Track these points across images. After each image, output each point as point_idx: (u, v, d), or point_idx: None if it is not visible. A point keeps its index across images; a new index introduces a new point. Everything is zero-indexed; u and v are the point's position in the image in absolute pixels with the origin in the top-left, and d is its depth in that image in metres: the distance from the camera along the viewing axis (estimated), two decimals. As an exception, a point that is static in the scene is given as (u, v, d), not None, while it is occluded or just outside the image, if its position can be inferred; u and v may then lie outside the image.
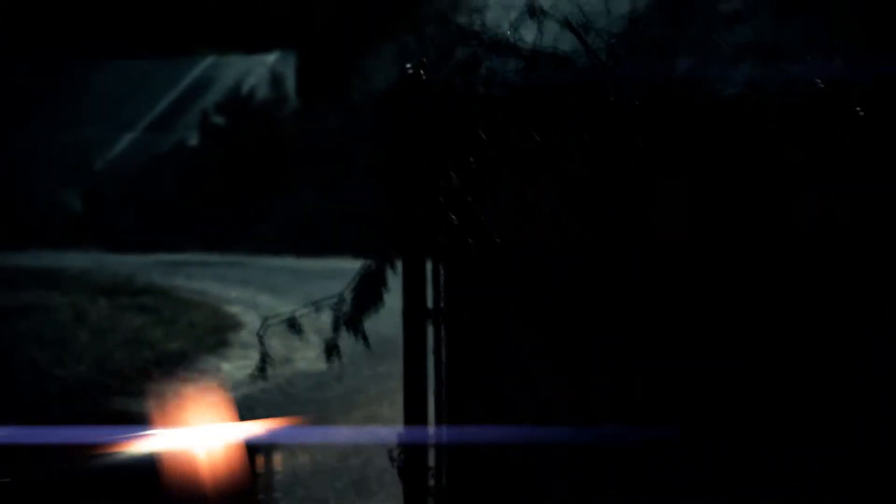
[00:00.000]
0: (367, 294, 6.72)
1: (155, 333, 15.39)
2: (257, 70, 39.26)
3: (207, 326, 16.31)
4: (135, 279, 22.46)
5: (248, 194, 32.81)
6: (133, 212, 33.78)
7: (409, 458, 6.07)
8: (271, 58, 39.63)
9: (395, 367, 6.49)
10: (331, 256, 28.45)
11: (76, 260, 27.45)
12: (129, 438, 6.17)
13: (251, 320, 17.27)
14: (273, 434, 6.96)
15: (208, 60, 41.15)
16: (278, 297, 20.25)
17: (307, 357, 14.12)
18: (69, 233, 32.97)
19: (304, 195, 33.27)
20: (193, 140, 36.68)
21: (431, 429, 6.08)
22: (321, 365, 6.70)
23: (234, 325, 16.89)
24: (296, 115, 35.53)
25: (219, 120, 36.10)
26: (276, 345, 11.19)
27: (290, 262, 28.39)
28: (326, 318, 6.06)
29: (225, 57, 40.84)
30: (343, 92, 34.34)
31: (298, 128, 34.76)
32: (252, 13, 40.45)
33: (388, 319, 6.37)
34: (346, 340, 6.09)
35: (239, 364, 13.35)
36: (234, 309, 18.64)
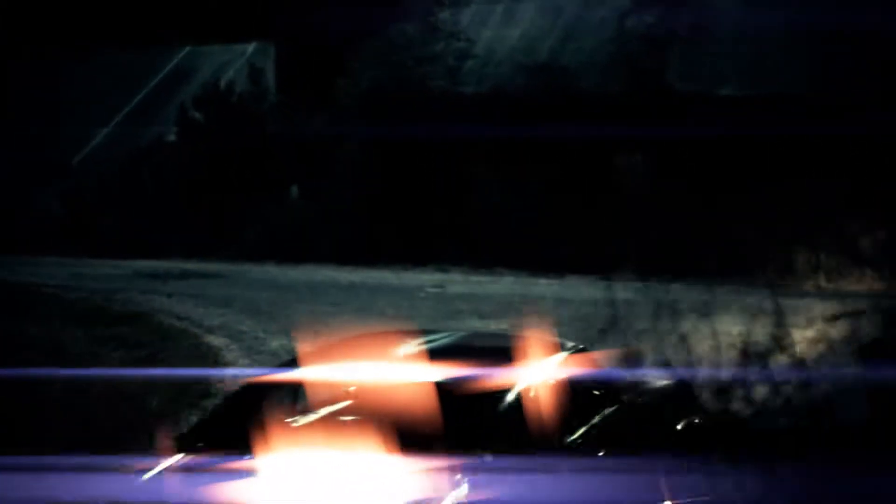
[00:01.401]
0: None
1: (132, 385, 14.66)
2: (236, 62, 38.38)
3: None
4: (113, 301, 21.73)
5: (228, 196, 32.05)
6: (111, 213, 32.95)
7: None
8: (250, 49, 38.77)
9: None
10: (312, 264, 27.77)
11: (53, 271, 26.64)
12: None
13: (234, 358, 16.56)
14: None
15: (185, 51, 40.27)
16: (263, 322, 19.57)
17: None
18: (46, 236, 32.13)
19: (286, 198, 32.52)
20: (171, 136, 35.79)
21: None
22: None
23: (215, 363, 16.15)
24: (277, 111, 34.65)
25: (197, 115, 35.19)
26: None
27: (271, 271, 27.65)
28: None
29: (202, 48, 39.97)
30: (326, 89, 33.54)
31: (280, 126, 33.91)
32: (229, 3, 39.61)
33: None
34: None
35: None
36: (218, 341, 17.89)
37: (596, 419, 8.57)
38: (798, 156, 26.79)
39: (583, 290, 24.22)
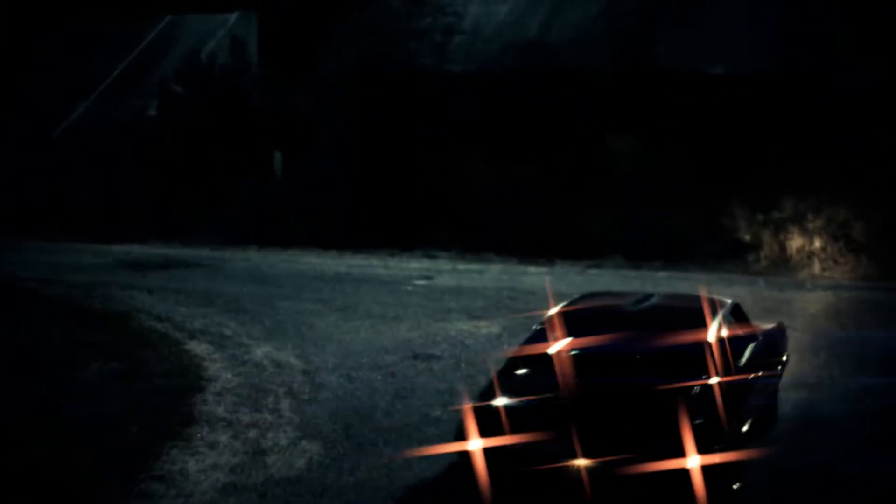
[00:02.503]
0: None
1: (110, 405, 14.13)
2: (217, 33, 37.65)
3: (169, 387, 15.05)
4: (93, 297, 21.23)
5: (210, 173, 31.44)
6: (90, 191, 32.32)
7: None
8: (232, 18, 38.03)
9: None
10: (296, 248, 27.27)
11: (32, 259, 26.11)
12: None
13: (217, 371, 16.04)
14: None
15: (166, 20, 39.54)
16: (247, 325, 19.11)
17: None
18: (24, 215, 31.54)
19: (269, 175, 31.95)
20: (152, 110, 35.12)
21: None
22: None
23: (198, 378, 15.61)
24: (260, 85, 33.98)
25: (179, 89, 34.53)
26: None
27: (253, 257, 27.11)
28: None
29: (183, 16, 39.23)
30: (310, 64, 32.89)
31: (263, 100, 33.27)
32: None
33: None
34: None
35: (206, 463, 12.11)
36: (200, 348, 17.37)
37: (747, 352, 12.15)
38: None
39: (574, 278, 23.78)
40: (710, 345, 11.18)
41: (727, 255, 25.19)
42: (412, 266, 25.46)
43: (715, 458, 10.00)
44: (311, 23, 34.33)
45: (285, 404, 14.42)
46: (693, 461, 9.80)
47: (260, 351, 17.25)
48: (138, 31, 39.18)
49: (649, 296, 13.17)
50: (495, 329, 18.50)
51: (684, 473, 9.82)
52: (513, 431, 10.16)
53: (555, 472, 10.03)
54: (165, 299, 21.20)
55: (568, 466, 9.96)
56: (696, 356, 10.97)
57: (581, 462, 9.95)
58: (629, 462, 9.85)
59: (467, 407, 10.51)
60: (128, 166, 33.02)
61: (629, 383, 10.96)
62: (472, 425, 10.25)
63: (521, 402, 10.72)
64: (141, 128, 34.50)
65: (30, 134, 35.40)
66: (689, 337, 11.21)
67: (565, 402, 10.61)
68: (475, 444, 10.15)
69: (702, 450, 9.87)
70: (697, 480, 9.81)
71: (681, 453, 9.83)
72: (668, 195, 26.50)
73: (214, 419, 13.70)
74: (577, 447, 9.95)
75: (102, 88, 37.46)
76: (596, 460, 9.99)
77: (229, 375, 15.83)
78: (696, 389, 10.65)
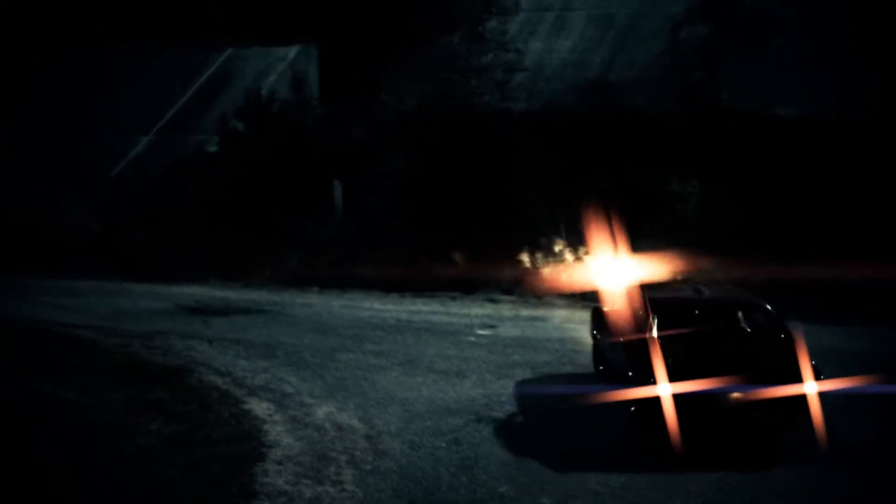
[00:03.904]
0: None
1: (168, 473, 13.90)
2: (277, 66, 37.53)
3: (229, 454, 14.77)
4: (152, 349, 21.04)
5: (270, 212, 31.20)
6: (150, 230, 32.19)
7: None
8: (292, 52, 37.92)
9: None
10: (357, 290, 26.99)
11: (93, 304, 26.01)
12: None
13: (278, 435, 15.75)
14: None
15: (226, 53, 39.49)
16: (308, 381, 18.82)
17: None
18: (84, 253, 31.48)
19: (331, 213, 31.69)
20: (212, 146, 35.02)
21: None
22: None
23: (259, 444, 15.32)
24: (320, 122, 33.78)
25: (239, 125, 34.40)
26: None
27: (314, 303, 26.82)
28: None
29: (243, 49, 39.17)
30: (370, 101, 32.68)
31: (323, 137, 33.05)
32: (272, 5, 38.86)
33: None
34: None
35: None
36: (261, 408, 17.10)
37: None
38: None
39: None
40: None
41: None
42: (474, 312, 25.08)
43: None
44: (372, 57, 34.16)
45: (348, 475, 14.10)
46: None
47: (321, 411, 16.95)
48: (199, 64, 39.16)
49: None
50: (560, 388, 18.10)
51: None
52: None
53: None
54: (226, 351, 20.98)
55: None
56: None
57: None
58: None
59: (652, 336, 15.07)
60: (187, 203, 32.88)
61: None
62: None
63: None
64: (200, 164, 34.38)
65: (88, 171, 35.40)
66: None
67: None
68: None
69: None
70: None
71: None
72: (734, 239, 25.97)
73: (275, 493, 13.42)
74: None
75: (162, 124, 37.42)
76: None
77: (291, 440, 15.54)
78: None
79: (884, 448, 14.89)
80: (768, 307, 15.94)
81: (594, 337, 18.71)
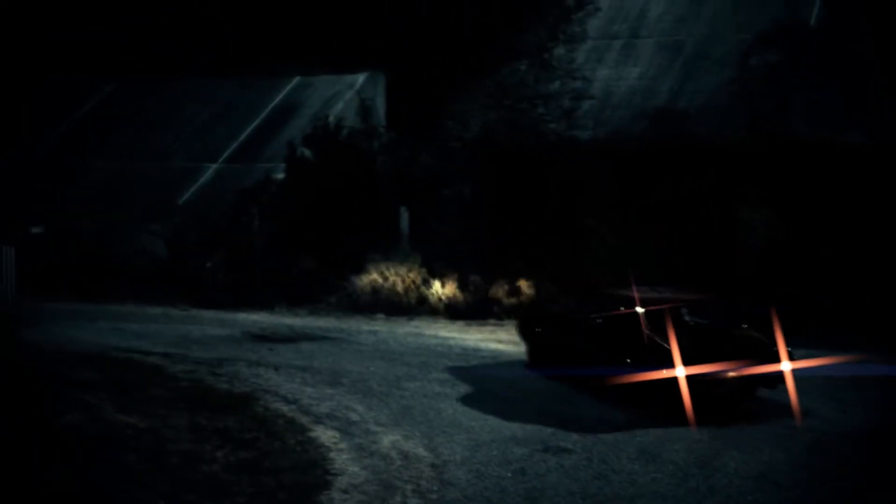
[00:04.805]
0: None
1: (236, 500, 13.89)
2: (345, 94, 37.66)
3: (295, 482, 14.74)
4: (219, 376, 21.07)
5: (337, 239, 31.28)
6: (217, 257, 32.35)
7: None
8: (360, 80, 38.04)
9: None
10: (423, 317, 26.96)
11: (160, 331, 26.12)
12: None
13: (344, 463, 15.70)
14: None
15: (294, 81, 39.69)
16: (374, 409, 18.75)
17: None
18: (152, 280, 31.69)
19: (398, 239, 31.71)
20: (280, 173, 35.15)
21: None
22: None
23: (325, 472, 15.28)
24: (387, 147, 33.84)
25: (307, 153, 34.53)
26: None
27: (380, 328, 26.81)
28: None
29: (311, 77, 39.36)
30: (437, 128, 32.70)
31: (390, 163, 33.10)
32: (340, 33, 39.02)
33: None
34: None
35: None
36: (327, 435, 17.06)
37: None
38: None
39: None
40: None
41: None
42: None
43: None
44: (439, 84, 34.21)
45: (413, 504, 14.03)
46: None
47: (387, 440, 16.88)
48: (266, 93, 39.41)
49: None
50: (623, 417, 17.95)
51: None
52: None
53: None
54: (292, 378, 20.96)
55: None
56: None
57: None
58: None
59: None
60: (253, 231, 33.02)
61: None
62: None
63: None
64: (267, 191, 34.52)
65: (158, 199, 35.64)
66: None
67: None
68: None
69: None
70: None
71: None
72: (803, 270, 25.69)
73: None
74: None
75: (230, 152, 37.64)
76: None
77: (356, 469, 15.48)
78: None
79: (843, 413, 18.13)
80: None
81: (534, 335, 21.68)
